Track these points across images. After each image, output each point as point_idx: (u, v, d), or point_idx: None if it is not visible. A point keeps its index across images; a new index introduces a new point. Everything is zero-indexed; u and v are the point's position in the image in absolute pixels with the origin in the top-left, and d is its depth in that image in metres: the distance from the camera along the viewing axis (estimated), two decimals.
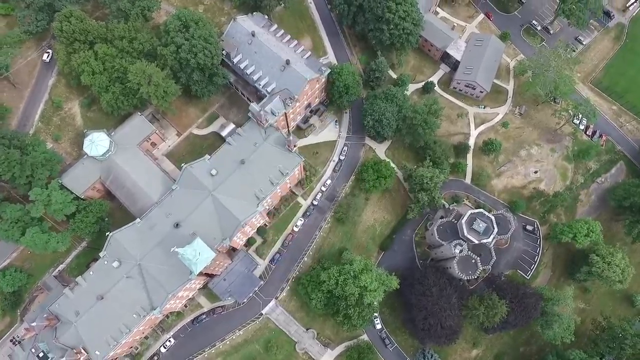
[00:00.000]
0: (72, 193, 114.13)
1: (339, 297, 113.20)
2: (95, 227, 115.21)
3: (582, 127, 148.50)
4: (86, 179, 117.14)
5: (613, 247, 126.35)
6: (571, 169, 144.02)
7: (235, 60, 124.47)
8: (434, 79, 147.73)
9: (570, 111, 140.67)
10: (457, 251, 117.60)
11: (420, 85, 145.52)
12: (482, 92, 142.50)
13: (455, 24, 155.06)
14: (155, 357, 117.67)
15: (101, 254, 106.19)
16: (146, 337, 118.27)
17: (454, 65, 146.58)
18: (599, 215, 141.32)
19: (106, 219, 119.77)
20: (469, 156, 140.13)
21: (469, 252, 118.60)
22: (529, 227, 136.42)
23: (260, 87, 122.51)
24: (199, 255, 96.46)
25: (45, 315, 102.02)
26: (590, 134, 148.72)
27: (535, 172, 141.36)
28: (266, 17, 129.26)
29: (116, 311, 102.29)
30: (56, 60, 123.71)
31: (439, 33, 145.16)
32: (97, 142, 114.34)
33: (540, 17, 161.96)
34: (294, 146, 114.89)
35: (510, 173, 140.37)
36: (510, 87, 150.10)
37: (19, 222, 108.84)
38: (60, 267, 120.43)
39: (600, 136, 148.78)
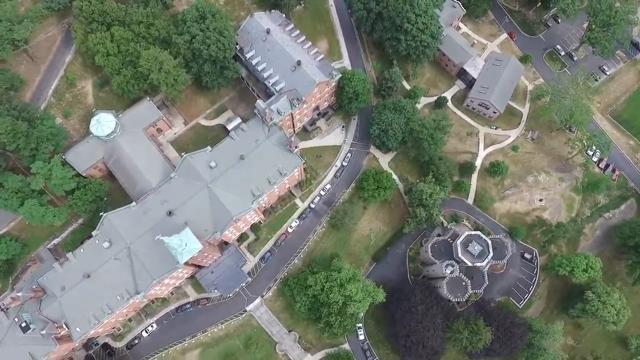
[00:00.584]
0: (74, 170, 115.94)
1: (323, 304, 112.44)
2: (92, 206, 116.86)
3: (595, 159, 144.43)
4: (89, 158, 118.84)
5: (611, 287, 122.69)
6: (578, 200, 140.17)
7: (247, 56, 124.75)
8: (448, 94, 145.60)
9: (584, 141, 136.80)
10: (448, 272, 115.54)
11: (433, 99, 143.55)
12: (495, 112, 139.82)
13: (476, 41, 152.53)
14: (137, 340, 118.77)
15: (94, 233, 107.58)
16: (130, 320, 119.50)
17: (470, 82, 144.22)
18: (602, 251, 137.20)
19: (105, 198, 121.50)
20: (474, 176, 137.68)
21: (460, 273, 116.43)
22: (527, 256, 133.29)
23: (270, 84, 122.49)
24: (185, 245, 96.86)
25: (32, 287, 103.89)
26: (603, 167, 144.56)
27: (541, 200, 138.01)
28: (284, 15, 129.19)
29: (101, 291, 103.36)
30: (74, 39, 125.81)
31: (457, 48, 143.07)
32: (103, 123, 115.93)
33: (565, 42, 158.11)
34: (295, 147, 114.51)
35: (515, 198, 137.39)
36: (525, 110, 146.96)
37: (19, 192, 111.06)
38: (56, 240, 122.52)
39: (614, 170, 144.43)
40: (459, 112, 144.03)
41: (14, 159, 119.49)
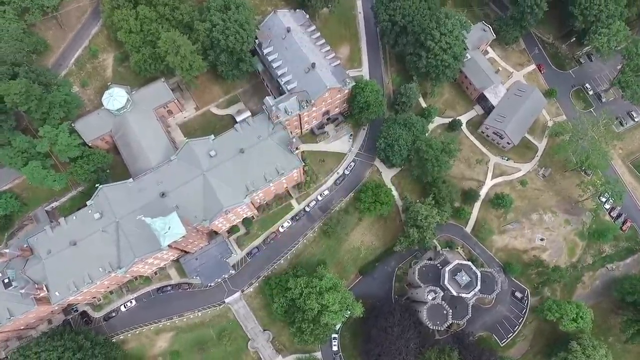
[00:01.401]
0: (81, 139, 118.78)
1: (299, 308, 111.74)
2: (93, 176, 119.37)
3: (607, 206, 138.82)
4: (97, 129, 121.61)
5: (600, 341, 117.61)
6: (582, 246, 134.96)
7: (265, 52, 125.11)
8: (464, 118, 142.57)
9: (598, 187, 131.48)
10: (430, 298, 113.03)
11: (448, 120, 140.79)
12: (509, 143, 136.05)
13: (502, 68, 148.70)
14: (114, 314, 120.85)
15: (88, 203, 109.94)
16: (111, 292, 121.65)
17: (489, 109, 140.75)
18: (599, 302, 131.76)
19: (107, 171, 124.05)
20: (477, 205, 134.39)
21: (443, 302, 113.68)
22: (518, 294, 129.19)
23: (282, 83, 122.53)
24: (169, 229, 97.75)
25: (22, 245, 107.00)
26: (614, 215, 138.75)
27: (542, 239, 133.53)
28: (307, 16, 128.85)
29: (84, 260, 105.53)
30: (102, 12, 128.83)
31: (481, 73, 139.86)
32: (115, 97, 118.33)
33: (595, 81, 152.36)
34: (296, 149, 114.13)
35: (515, 234, 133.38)
36: (541, 145, 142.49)
37: (25, 153, 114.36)
38: (54, 204, 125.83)
39: (625, 221, 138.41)
40: (472, 138, 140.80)
41: (27, 120, 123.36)
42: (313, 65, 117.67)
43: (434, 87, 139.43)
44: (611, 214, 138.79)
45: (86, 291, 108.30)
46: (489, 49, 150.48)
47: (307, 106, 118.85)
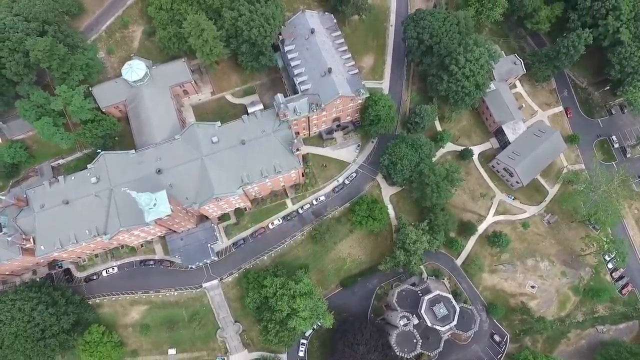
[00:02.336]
0: (95, 103, 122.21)
1: (270, 308, 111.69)
2: (100, 141, 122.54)
3: (610, 265, 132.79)
4: (113, 97, 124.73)
5: None
6: (575, 302, 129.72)
7: (286, 49, 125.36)
8: (477, 149, 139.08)
9: (603, 244, 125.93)
10: (401, 323, 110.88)
11: (460, 148, 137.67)
12: (518, 182, 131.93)
13: (527, 105, 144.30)
14: (95, 277, 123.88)
15: (88, 166, 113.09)
16: (96, 256, 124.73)
17: (504, 144, 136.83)
18: None
19: (115, 138, 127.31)
20: (472, 239, 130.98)
21: (414, 330, 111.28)
22: (497, 338, 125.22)
23: (297, 82, 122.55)
24: (154, 206, 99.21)
25: (19, 195, 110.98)
26: (616, 277, 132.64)
27: (533, 287, 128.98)
28: (335, 20, 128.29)
29: (73, 220, 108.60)
30: None
31: (503, 106, 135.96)
32: (134, 69, 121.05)
33: (623, 135, 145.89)
34: (297, 150, 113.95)
35: (506, 275, 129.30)
36: (552, 190, 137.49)
37: (40, 108, 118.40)
38: (60, 161, 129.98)
39: (626, 285, 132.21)
40: (481, 170, 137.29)
41: (49, 77, 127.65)
42: (329, 70, 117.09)
43: (451, 112, 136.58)
44: (613, 274, 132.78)
45: (71, 250, 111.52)
46: (518, 83, 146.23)
47: (316, 109, 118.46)
